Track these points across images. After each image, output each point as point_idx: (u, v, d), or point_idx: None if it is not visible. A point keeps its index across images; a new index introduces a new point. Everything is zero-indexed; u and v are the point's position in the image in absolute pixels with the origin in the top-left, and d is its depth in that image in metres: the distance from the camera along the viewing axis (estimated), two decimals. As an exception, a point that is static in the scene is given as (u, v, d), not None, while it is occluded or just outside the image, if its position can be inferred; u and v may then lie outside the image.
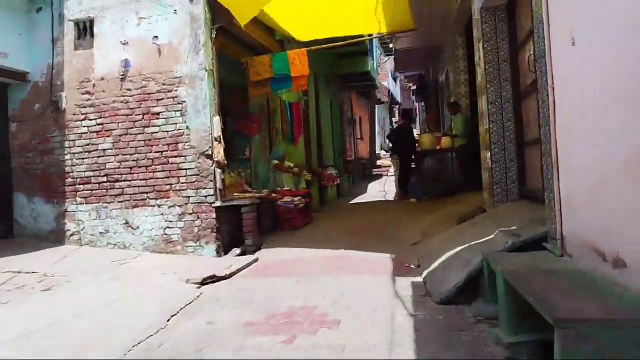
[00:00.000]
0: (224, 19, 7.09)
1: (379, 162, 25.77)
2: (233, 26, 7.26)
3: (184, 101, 7.01)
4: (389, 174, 21.02)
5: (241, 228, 6.98)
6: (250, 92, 8.40)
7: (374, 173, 22.18)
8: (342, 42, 8.94)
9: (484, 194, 7.05)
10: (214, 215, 6.82)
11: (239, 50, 8.38)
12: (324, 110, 14.44)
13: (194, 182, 6.95)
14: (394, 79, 38.54)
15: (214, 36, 7.13)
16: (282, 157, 9.13)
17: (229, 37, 7.80)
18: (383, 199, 11.97)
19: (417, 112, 34.98)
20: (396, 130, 12.76)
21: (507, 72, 6.51)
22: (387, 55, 30.05)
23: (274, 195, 8.00)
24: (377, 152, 26.34)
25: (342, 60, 15.93)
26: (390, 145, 12.20)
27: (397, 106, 43.40)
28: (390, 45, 26.52)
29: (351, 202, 11.62)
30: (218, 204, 6.84)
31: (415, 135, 11.66)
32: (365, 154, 26.50)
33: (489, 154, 6.57)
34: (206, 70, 6.96)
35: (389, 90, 34.23)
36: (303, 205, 8.13)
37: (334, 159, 15.58)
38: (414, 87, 34.10)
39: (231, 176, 8.72)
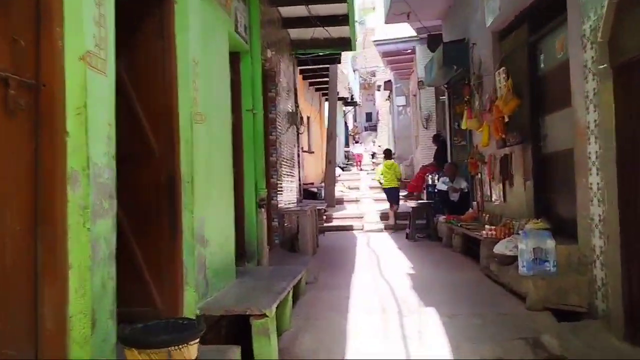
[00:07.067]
0: None
1: (340, 192, 15.25)
2: None
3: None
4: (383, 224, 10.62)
5: None
6: None
7: (335, 223, 11.75)
8: None
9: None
10: None
11: None
12: (210, 67, 3.93)
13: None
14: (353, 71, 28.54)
15: None
16: None
17: None
18: None
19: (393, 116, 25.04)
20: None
21: None
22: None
23: None
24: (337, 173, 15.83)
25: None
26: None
27: (353, 108, 33.16)
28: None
29: None
30: None
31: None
32: (316, 178, 16.05)
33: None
34: None
35: (348, 84, 24.09)
36: None
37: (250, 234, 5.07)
38: (386, 80, 24.01)
39: None
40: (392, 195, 11.54)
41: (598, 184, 4.24)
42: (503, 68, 6.67)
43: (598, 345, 3.95)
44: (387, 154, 12.34)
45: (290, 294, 4.52)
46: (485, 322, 4.36)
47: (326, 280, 6.02)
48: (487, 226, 6.27)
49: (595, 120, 4.26)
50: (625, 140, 4.04)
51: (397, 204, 11.64)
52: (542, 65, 5.81)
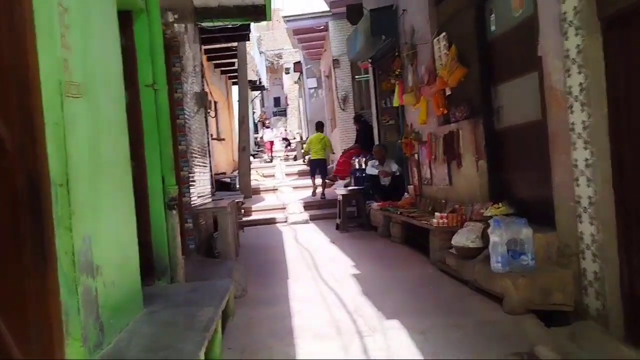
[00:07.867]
0: None
1: (255, 181, 14.04)
2: None
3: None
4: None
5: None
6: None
7: (255, 217, 10.66)
8: None
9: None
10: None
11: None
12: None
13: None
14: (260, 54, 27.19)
15: None
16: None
17: None
18: None
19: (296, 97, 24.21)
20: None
21: None
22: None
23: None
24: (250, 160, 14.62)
25: None
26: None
27: (260, 93, 31.75)
28: None
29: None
30: None
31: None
32: (228, 167, 14.81)
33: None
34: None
35: (256, 66, 22.83)
36: None
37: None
38: (297, 61, 22.91)
39: None
40: (319, 167, 11.35)
41: (586, 159, 3.54)
42: (444, 34, 5.92)
43: (603, 353, 3.28)
44: (318, 127, 11.95)
45: (220, 322, 3.44)
46: (465, 335, 3.55)
47: (258, 292, 4.96)
48: (437, 213, 5.51)
49: (580, 84, 3.54)
50: (620, 105, 3.36)
51: (325, 176, 11.40)
52: (493, 28, 5.09)
